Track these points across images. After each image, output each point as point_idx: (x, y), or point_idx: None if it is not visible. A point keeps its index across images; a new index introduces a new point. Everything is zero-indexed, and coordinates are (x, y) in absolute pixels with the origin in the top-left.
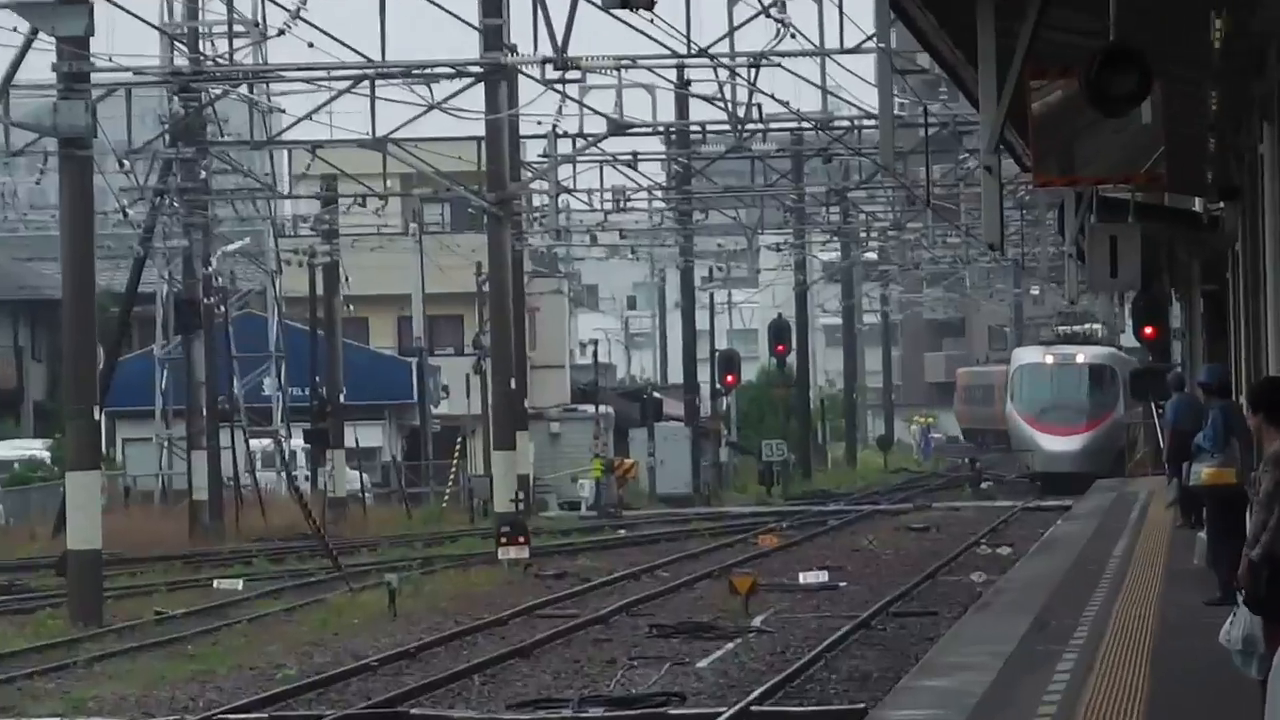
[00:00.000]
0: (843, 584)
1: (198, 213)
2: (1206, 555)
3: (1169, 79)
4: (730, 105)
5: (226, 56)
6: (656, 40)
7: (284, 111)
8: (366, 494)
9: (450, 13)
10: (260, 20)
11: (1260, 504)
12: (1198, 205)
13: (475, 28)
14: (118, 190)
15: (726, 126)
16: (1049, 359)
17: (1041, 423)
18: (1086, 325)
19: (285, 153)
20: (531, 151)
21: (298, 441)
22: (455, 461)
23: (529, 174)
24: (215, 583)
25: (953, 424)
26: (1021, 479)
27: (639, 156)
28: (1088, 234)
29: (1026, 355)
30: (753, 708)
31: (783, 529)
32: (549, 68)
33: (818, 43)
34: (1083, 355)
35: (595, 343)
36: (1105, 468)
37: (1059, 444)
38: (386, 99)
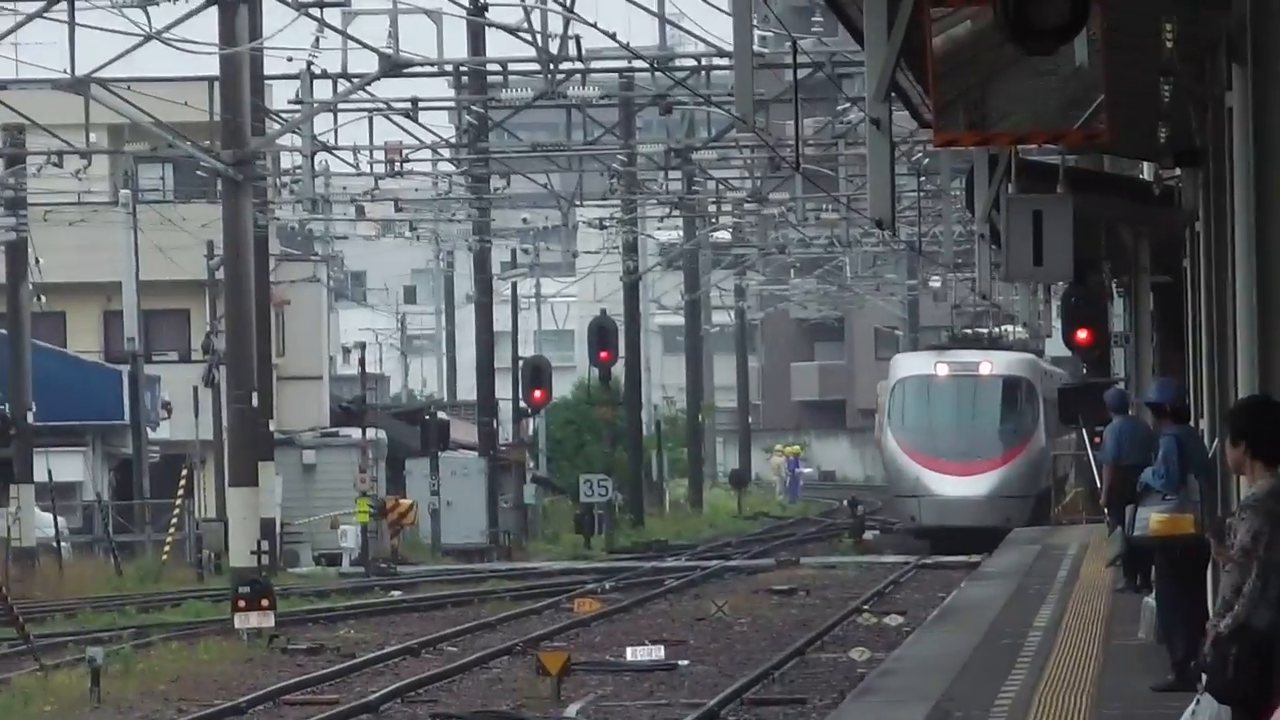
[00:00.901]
0: (683, 663)
1: None
2: (1156, 627)
3: (1110, 6)
4: (540, 38)
5: None
6: None
7: None
8: (63, 543)
9: None
10: None
11: (1235, 560)
12: (1147, 173)
13: None
14: None
15: (535, 66)
16: (941, 369)
17: (931, 458)
18: (996, 326)
19: None
20: (280, 97)
21: None
22: (179, 502)
23: (276, 126)
24: None
25: (828, 455)
26: (905, 534)
27: (420, 104)
28: (1004, 209)
29: (910, 364)
30: None
31: (605, 591)
32: None
33: None
34: (988, 364)
35: (363, 347)
36: (1021, 518)
37: (955, 487)
38: (89, 26)
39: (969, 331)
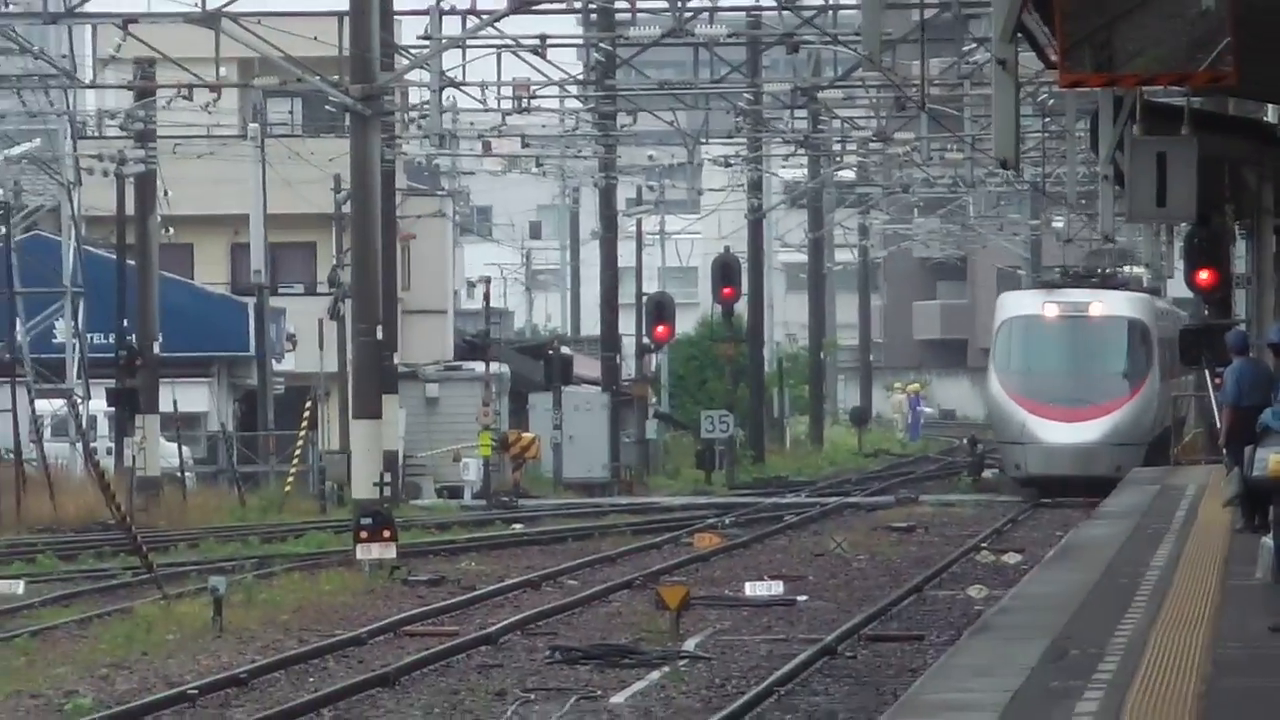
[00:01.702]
0: (802, 598)
1: None
2: (1273, 567)
3: None
4: None
5: None
6: None
7: None
8: (187, 473)
9: None
10: None
11: None
12: (1271, 114)
13: None
14: None
15: (663, 3)
16: (1051, 309)
17: (1039, 403)
18: (1110, 266)
19: (88, 29)
20: (409, 33)
21: (98, 404)
22: (303, 433)
23: (405, 61)
24: None
25: (949, 394)
26: (1012, 482)
27: (548, 41)
28: (1129, 150)
29: (1018, 303)
30: None
31: (725, 526)
32: None
33: None
34: (1100, 303)
35: (487, 281)
36: (1132, 467)
37: (1064, 434)
38: None
39: (1081, 269)
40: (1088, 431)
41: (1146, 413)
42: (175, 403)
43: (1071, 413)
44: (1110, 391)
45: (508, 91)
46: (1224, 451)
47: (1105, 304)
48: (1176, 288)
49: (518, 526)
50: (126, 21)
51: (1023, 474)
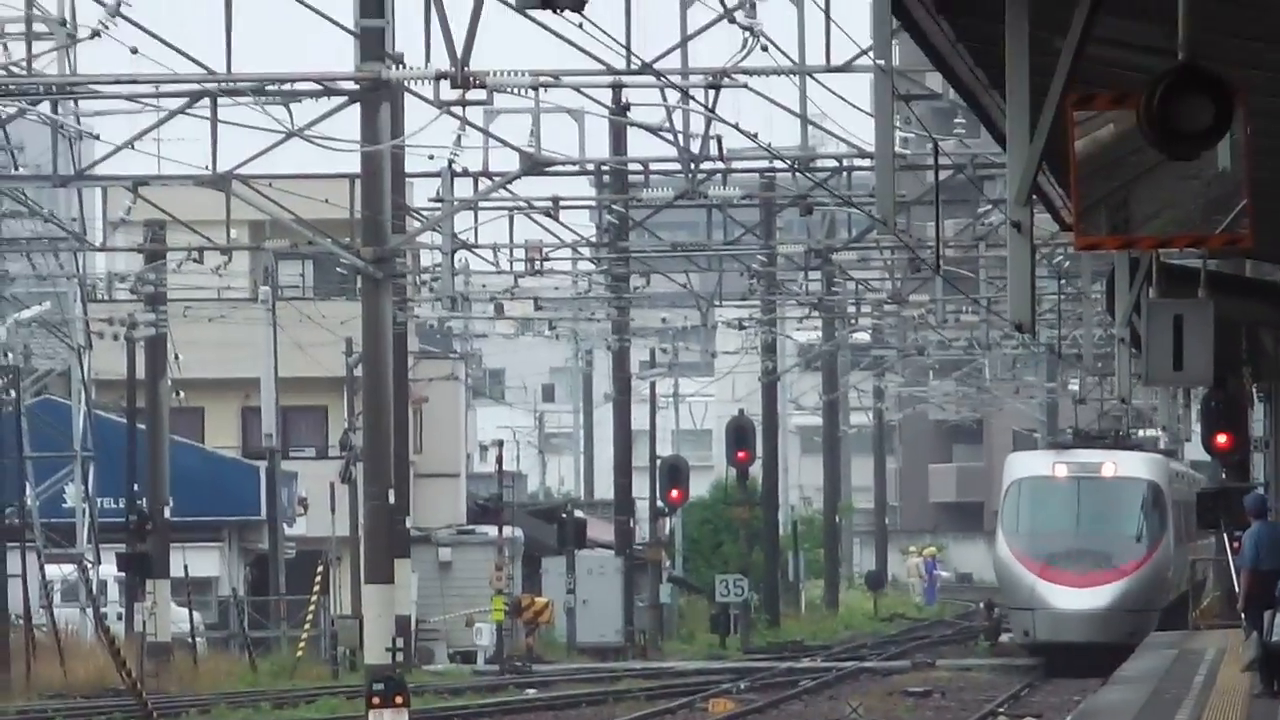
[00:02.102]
0: None
1: None
2: None
3: (1255, 112)
4: (681, 138)
5: (23, 65)
6: (587, 51)
7: (98, 138)
8: (198, 638)
9: (317, 10)
10: (68, 18)
11: None
12: None
13: (350, 31)
14: None
15: (676, 165)
16: (1060, 470)
17: (1048, 567)
18: (1122, 425)
19: (98, 191)
20: (420, 195)
21: (109, 569)
22: (315, 598)
23: (416, 224)
24: None
25: (966, 557)
26: (1020, 649)
27: (561, 203)
28: (1145, 312)
29: (1026, 464)
30: None
31: (740, 691)
32: (444, 85)
33: (796, 58)
34: (1112, 464)
35: (500, 445)
36: (1145, 635)
37: (1073, 599)
38: (232, 123)
39: (1093, 430)
40: (1099, 597)
41: (1161, 577)
42: (186, 567)
43: (1082, 577)
44: (1123, 555)
45: (520, 253)
46: (1242, 616)
47: (1118, 465)
48: (1194, 450)
49: (531, 691)
50: (137, 184)
51: (1032, 640)
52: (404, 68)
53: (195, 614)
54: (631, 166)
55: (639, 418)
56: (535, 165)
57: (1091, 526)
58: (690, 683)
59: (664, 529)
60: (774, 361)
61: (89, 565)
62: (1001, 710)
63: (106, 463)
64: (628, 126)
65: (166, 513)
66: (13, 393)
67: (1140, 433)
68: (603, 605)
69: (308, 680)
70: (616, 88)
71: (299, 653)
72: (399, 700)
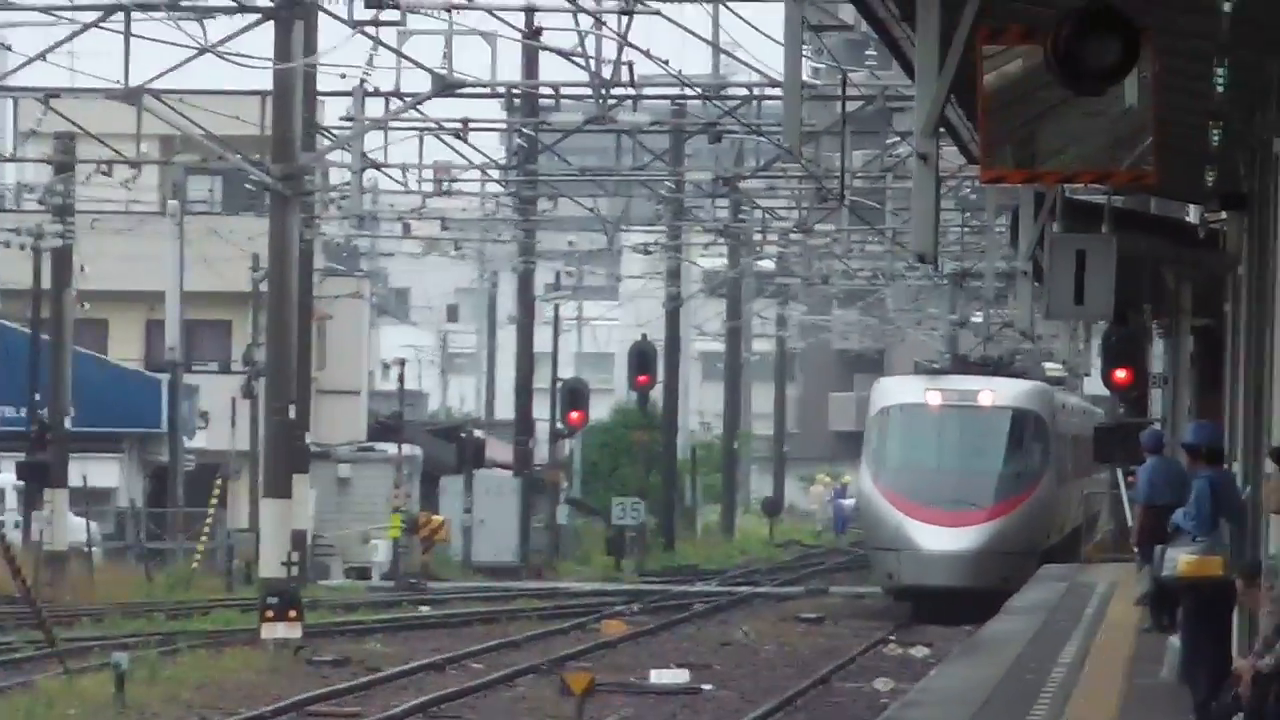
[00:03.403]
0: (707, 687)
1: None
2: (1179, 667)
3: (1162, 49)
4: (593, 63)
5: None
6: None
7: (8, 48)
8: (94, 548)
9: None
10: None
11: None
12: (1192, 215)
13: None
14: None
15: (587, 90)
16: (934, 398)
17: (915, 504)
18: (1003, 350)
19: (9, 102)
20: (331, 113)
21: (7, 477)
22: (212, 511)
23: (327, 142)
24: None
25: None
26: (880, 597)
27: (471, 125)
28: (1048, 246)
29: (896, 391)
30: None
31: (633, 613)
32: (359, 4)
33: None
34: (990, 393)
35: (403, 363)
36: (1021, 580)
37: (942, 540)
38: (144, 37)
39: (972, 355)
40: (970, 538)
41: (1041, 517)
42: (85, 478)
43: (952, 516)
44: (999, 492)
45: (429, 174)
46: (1135, 550)
47: (996, 393)
48: (1094, 385)
49: (425, 609)
50: (48, 96)
51: (896, 584)
52: None
53: (93, 524)
54: (542, 90)
55: (542, 340)
56: (447, 87)
57: (964, 461)
58: (584, 604)
59: (563, 451)
60: (678, 287)
61: None
62: (892, 638)
63: (9, 372)
64: (540, 50)
65: (67, 423)
66: None
67: (1023, 356)
68: (500, 525)
69: (203, 593)
70: (529, 11)
71: (195, 565)
72: (293, 614)
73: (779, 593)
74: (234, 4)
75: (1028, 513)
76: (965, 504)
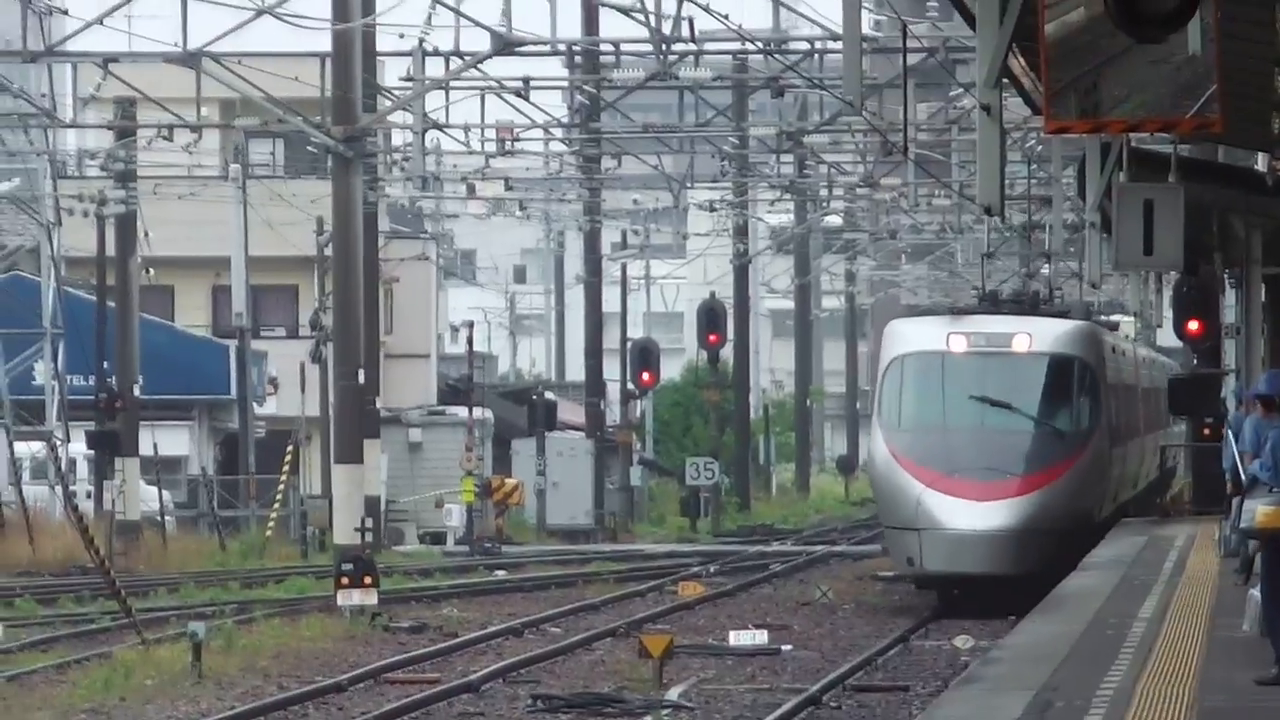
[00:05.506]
0: (786, 647)
1: None
2: (1260, 620)
3: None
4: (653, 19)
5: None
6: None
7: (67, 13)
8: (167, 517)
9: None
10: None
11: None
12: (1260, 163)
13: None
14: None
15: (648, 46)
16: (958, 343)
17: (937, 473)
18: (1037, 288)
19: (68, 67)
20: (391, 74)
21: (78, 447)
22: (284, 478)
23: (387, 103)
24: None
25: None
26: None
27: (532, 83)
28: (1116, 197)
29: (912, 335)
30: None
31: (710, 574)
32: None
33: None
34: (1027, 336)
35: (471, 326)
36: (1069, 560)
37: (973, 517)
38: (203, 0)
39: (1005, 292)
40: (1006, 513)
41: (1090, 486)
42: (155, 446)
43: (984, 488)
44: (1039, 458)
45: (491, 134)
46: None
47: (1034, 337)
48: (1166, 336)
49: (500, 573)
50: (107, 61)
51: (918, 570)
52: None
53: (164, 493)
54: (603, 47)
55: (610, 300)
56: (506, 45)
57: (997, 420)
58: (660, 566)
59: (635, 411)
60: (745, 244)
61: (58, 443)
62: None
63: (76, 340)
64: (600, 6)
65: (136, 391)
66: None
67: (1064, 293)
68: (573, 487)
69: (276, 560)
70: None
71: (268, 533)
72: (368, 581)
73: (856, 551)
74: None
75: (1074, 481)
76: (998, 472)
